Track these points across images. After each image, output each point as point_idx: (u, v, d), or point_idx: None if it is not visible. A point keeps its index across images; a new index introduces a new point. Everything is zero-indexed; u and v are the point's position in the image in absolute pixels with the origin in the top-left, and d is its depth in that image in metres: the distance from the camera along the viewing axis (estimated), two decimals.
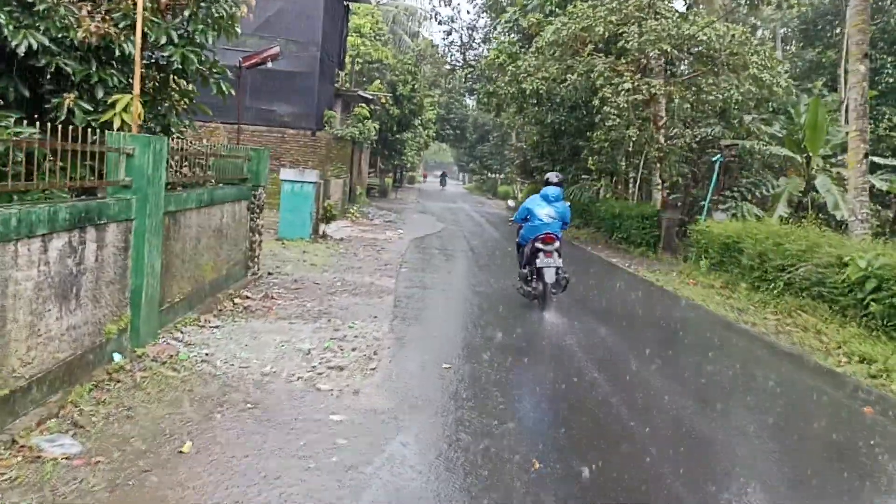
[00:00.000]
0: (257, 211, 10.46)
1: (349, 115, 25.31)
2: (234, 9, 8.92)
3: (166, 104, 8.77)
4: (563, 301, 11.05)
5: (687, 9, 19.47)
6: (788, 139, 22.26)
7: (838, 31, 34.02)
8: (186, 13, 8.02)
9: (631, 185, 25.05)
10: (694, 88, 19.46)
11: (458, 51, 37.10)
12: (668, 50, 18.62)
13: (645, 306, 12.22)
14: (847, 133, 15.98)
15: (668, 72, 20.37)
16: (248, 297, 9.08)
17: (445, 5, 37.39)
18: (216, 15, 8.27)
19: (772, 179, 21.95)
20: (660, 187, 23.11)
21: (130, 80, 7.70)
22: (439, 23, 39.16)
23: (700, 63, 19.91)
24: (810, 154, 21.48)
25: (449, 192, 65.54)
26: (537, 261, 10.13)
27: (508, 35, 25.25)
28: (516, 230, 11.30)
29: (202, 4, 8.18)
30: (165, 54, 8.07)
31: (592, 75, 19.40)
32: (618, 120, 18.78)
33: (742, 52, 18.92)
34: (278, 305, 8.93)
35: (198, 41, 8.16)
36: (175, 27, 7.97)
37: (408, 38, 49.77)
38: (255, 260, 10.58)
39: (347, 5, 28.43)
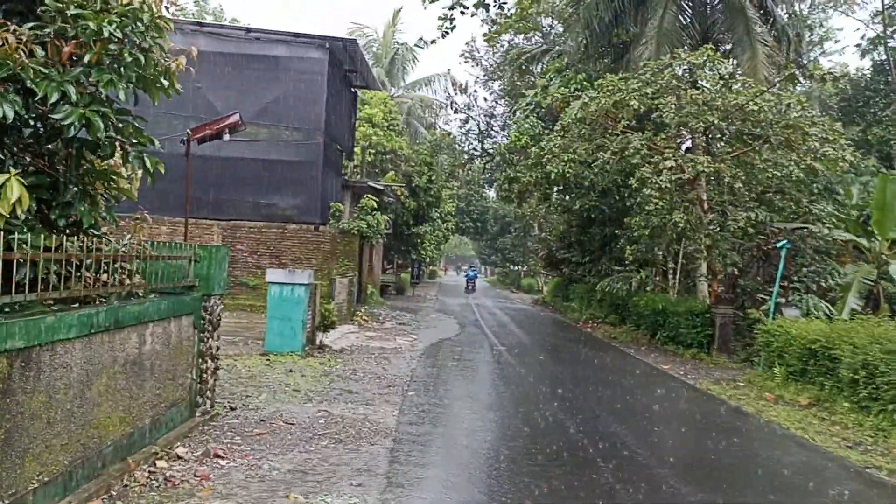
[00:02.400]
0: (209, 328, 7.88)
1: (357, 208, 23.11)
2: (168, 60, 6.56)
3: (74, 189, 6.30)
4: (631, 446, 8.22)
5: (729, 78, 17.18)
6: (853, 222, 19.60)
7: (881, 107, 31.91)
8: (86, 58, 5.64)
9: (670, 278, 22.30)
10: (746, 166, 16.98)
11: (475, 139, 35.19)
12: (715, 123, 16.25)
13: (728, 441, 9.30)
14: None
15: (711, 148, 17.91)
16: (178, 459, 6.36)
17: (461, 93, 35.55)
18: (130, 61, 5.88)
19: (837, 268, 19.18)
20: (704, 279, 20.36)
21: (16, 155, 5.39)
22: (455, 111, 37.35)
23: (750, 137, 17.48)
24: (879, 238, 18.80)
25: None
26: None
27: (529, 118, 23.18)
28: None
29: (112, 48, 5.82)
30: (58, 116, 5.63)
31: (627, 153, 17.01)
32: (660, 203, 16.23)
33: (799, 123, 16.50)
34: (219, 471, 6.19)
35: (103, 97, 5.77)
36: (75, 79, 5.61)
37: (423, 130, 48.30)
38: (208, 394, 7.93)
39: (356, 92, 26.67)
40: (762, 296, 18.88)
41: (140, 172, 7.83)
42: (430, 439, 7.95)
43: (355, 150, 30.05)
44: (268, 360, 12.54)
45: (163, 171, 6.64)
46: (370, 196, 22.86)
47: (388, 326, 20.40)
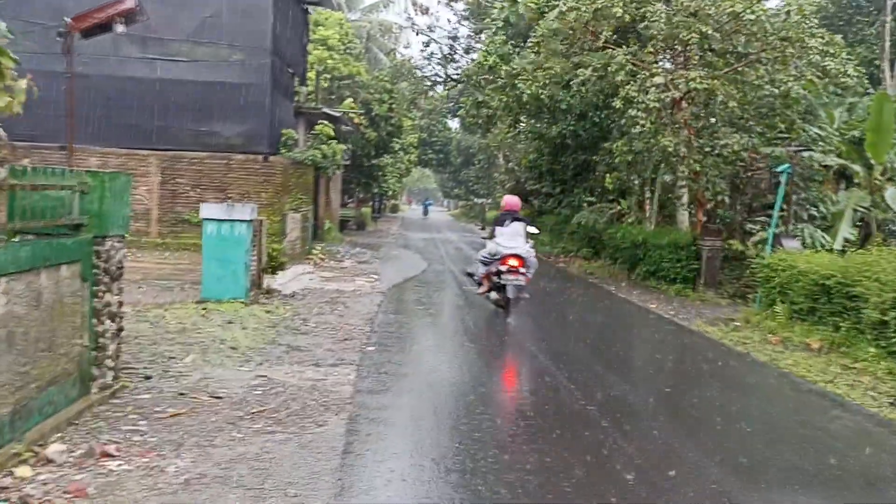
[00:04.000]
0: (106, 280, 6.07)
1: (312, 137, 21.05)
2: None
3: None
4: (638, 405, 6.72)
5: None
6: (847, 145, 18.16)
7: (865, 24, 30.35)
8: None
9: (647, 208, 20.77)
10: (739, 83, 15.32)
11: (438, 63, 32.93)
12: (709, 33, 14.48)
13: (752, 403, 7.84)
14: None
15: (702, 63, 16.13)
16: (48, 462, 4.64)
17: (422, 13, 33.13)
18: None
19: (831, 195, 17.87)
20: (685, 209, 18.90)
21: None
22: (417, 33, 34.92)
23: (741, 53, 15.76)
24: (873, 162, 17.47)
25: (434, 220, 61.19)
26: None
27: (497, 35, 21.11)
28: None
29: None
30: None
31: (610, 70, 15.21)
32: (646, 125, 14.54)
33: (798, 35, 14.82)
34: (103, 480, 4.48)
35: None
36: None
37: (383, 56, 45.70)
38: (108, 363, 6.17)
39: (306, 9, 24.24)
40: (751, 226, 17.51)
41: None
42: (393, 415, 6.32)
43: (308, 75, 27.74)
44: (204, 308, 10.75)
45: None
46: (325, 123, 20.80)
47: (347, 265, 18.67)
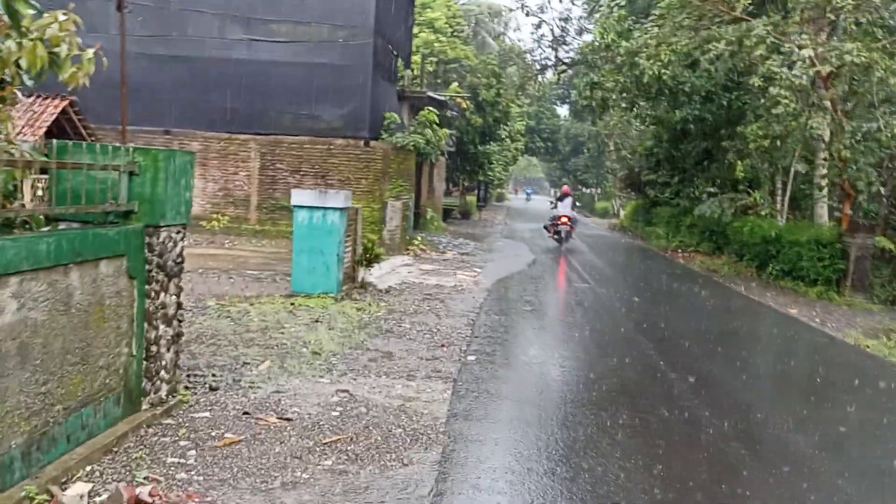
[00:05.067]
0: (160, 278, 5.15)
1: (415, 122, 20.07)
2: None
3: None
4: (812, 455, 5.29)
5: None
6: None
7: None
8: None
9: (778, 200, 18.67)
10: None
11: (549, 46, 31.40)
12: None
13: None
14: None
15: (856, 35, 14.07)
16: None
17: None
18: None
19: None
20: (824, 201, 16.77)
21: None
22: (527, 14, 33.40)
23: None
24: None
25: (540, 209, 59.53)
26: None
27: (615, 10, 19.43)
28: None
29: None
30: None
31: (748, 44, 13.43)
32: (791, 104, 12.72)
33: None
34: None
35: None
36: None
37: (491, 41, 44.42)
38: (163, 374, 5.26)
39: None
40: None
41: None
42: (493, 454, 5.12)
43: (414, 58, 26.82)
44: (292, 303, 9.90)
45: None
46: (430, 108, 19.76)
47: (449, 257, 17.60)
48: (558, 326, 10.32)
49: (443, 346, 8.21)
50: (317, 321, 8.93)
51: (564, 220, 21.20)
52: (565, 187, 25.24)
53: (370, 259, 12.03)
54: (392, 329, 8.95)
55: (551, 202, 27.22)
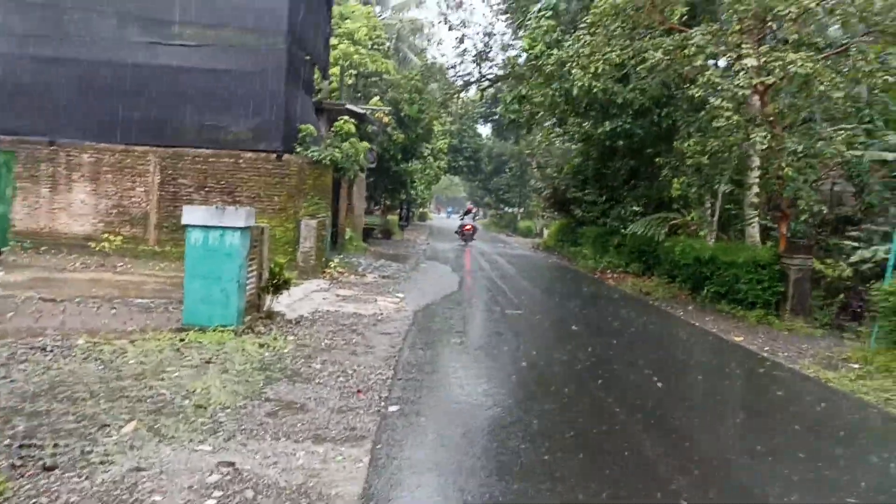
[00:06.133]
0: None
1: (331, 134, 18.70)
2: None
3: None
4: None
5: None
6: None
7: None
8: None
9: (709, 219, 18.03)
10: (841, 69, 12.67)
11: (472, 61, 30.46)
12: (812, 6, 11.87)
13: None
14: None
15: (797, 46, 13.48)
16: None
17: (456, 8, 30.67)
18: None
19: None
20: (757, 220, 16.19)
21: None
22: (450, 28, 32.49)
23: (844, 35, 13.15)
24: None
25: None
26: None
27: (543, 20, 18.55)
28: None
29: None
30: None
31: (687, 53, 12.65)
32: (733, 117, 11.95)
33: None
34: None
35: None
36: None
37: (413, 57, 43.38)
38: None
39: None
40: (849, 243, 14.82)
41: None
42: None
43: (332, 70, 25.47)
44: (182, 339, 8.38)
45: None
46: (346, 118, 18.41)
47: (369, 280, 16.23)
48: (493, 363, 9.08)
49: (359, 391, 6.85)
50: (208, 362, 7.46)
51: (468, 227, 33.76)
52: (469, 205, 39.75)
53: (278, 285, 10.55)
54: (299, 370, 7.55)
55: (460, 216, 40.60)
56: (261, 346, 8.45)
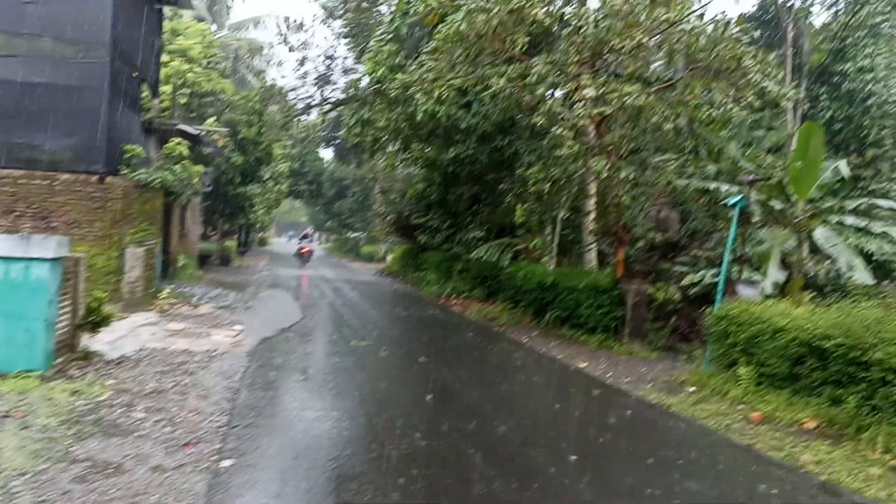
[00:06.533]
0: None
1: (162, 156, 17.45)
2: None
3: None
4: None
5: None
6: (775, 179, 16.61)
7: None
8: None
9: (549, 245, 18.45)
10: (671, 102, 13.26)
11: (313, 84, 29.79)
12: (644, 42, 12.33)
13: None
14: None
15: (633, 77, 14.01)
16: None
17: (297, 31, 29.94)
18: None
19: (757, 234, 16.20)
20: (594, 247, 16.71)
21: None
22: (290, 49, 31.66)
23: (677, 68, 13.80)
24: (796, 197, 15.95)
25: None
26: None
27: (386, 44, 18.33)
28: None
29: None
30: None
31: (528, 81, 12.77)
32: (574, 146, 12.16)
33: (738, 53, 12.96)
34: None
35: None
36: None
37: (252, 77, 42.07)
38: None
39: (160, 8, 20.63)
40: (678, 268, 15.50)
41: None
42: None
43: (164, 88, 24.00)
44: None
45: None
46: (179, 140, 17.27)
47: (204, 312, 15.15)
48: (340, 402, 8.49)
49: (187, 444, 6.11)
50: (5, 416, 6.43)
51: (305, 250, 36.50)
52: (307, 230, 45.06)
53: (97, 321, 9.48)
54: (118, 421, 6.66)
55: (298, 240, 42.98)
56: (73, 393, 7.44)
